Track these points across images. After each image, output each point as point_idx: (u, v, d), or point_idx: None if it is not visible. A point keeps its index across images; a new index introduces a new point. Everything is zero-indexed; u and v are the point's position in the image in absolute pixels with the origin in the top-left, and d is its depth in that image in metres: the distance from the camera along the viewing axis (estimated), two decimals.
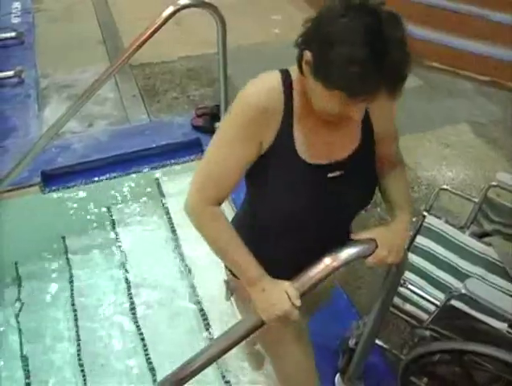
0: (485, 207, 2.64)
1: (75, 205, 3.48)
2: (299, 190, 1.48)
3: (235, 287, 1.82)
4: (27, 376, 2.81)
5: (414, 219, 3.29)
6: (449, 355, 2.08)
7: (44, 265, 3.36)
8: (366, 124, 1.52)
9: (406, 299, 2.31)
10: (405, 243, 1.63)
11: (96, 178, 3.54)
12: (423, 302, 2.26)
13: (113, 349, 2.93)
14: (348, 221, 1.70)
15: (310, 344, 1.96)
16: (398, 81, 1.25)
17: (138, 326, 2.98)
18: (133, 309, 3.07)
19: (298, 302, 1.44)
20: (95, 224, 3.54)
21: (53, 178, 3.49)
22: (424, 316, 2.26)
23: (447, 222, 2.69)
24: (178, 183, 3.61)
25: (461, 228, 2.68)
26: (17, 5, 5.78)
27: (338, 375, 2.43)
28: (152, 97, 4.54)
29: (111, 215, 3.56)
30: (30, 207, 3.39)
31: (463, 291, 2.00)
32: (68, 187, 3.49)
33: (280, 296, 1.45)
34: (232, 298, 1.93)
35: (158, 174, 3.68)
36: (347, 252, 1.49)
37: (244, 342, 1.69)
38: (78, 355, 2.88)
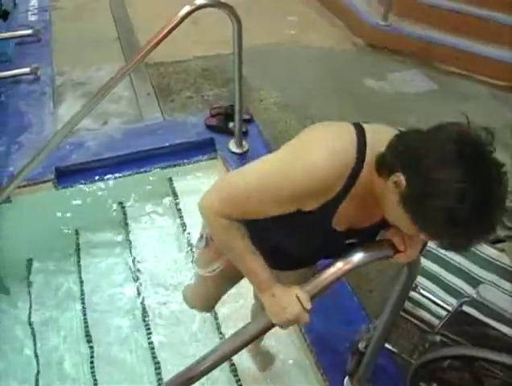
0: None
1: (88, 202, 3.49)
2: (314, 245, 1.54)
3: (209, 244, 1.90)
4: (37, 371, 2.83)
5: None
6: (459, 361, 2.07)
7: (56, 261, 3.39)
8: None
9: (417, 304, 2.30)
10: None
11: (109, 176, 3.55)
12: (435, 307, 2.25)
13: (122, 345, 2.95)
14: None
15: None
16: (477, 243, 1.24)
17: (147, 324, 2.99)
18: (143, 306, 3.08)
19: (308, 306, 1.45)
20: (107, 221, 3.56)
21: (67, 175, 3.51)
22: (435, 321, 2.25)
23: None
24: (190, 183, 3.62)
25: None
26: (34, 2, 5.81)
27: (347, 377, 2.42)
28: (166, 96, 4.55)
29: (123, 213, 3.57)
30: (43, 203, 3.40)
31: (475, 297, 1.99)
32: (82, 184, 3.50)
33: (290, 300, 1.45)
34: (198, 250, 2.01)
35: (171, 173, 3.67)
36: (360, 256, 1.48)
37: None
38: (90, 350, 2.91)
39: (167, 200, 3.64)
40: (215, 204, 1.46)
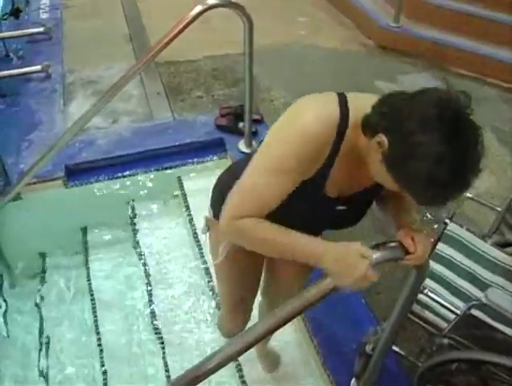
0: (509, 216, 2.61)
1: (97, 200, 3.51)
2: (307, 212, 1.54)
3: (212, 226, 1.90)
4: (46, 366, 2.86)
5: (435, 227, 3.28)
6: (467, 364, 2.07)
7: (65, 258, 3.42)
8: None
9: (425, 306, 2.29)
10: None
11: (118, 174, 3.56)
12: (443, 310, 2.25)
13: (130, 343, 2.96)
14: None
15: None
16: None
17: (155, 323, 3.01)
18: (151, 304, 3.09)
19: (373, 259, 1.41)
20: (116, 220, 3.57)
21: (76, 173, 3.52)
22: (443, 324, 2.24)
23: (469, 230, 2.66)
24: (200, 182, 3.61)
25: (483, 237, 2.65)
26: (45, 1, 5.84)
27: (354, 379, 2.42)
28: (176, 95, 4.57)
29: (132, 212, 3.58)
30: (52, 200, 3.42)
31: (484, 301, 1.98)
32: (91, 182, 3.51)
33: (355, 257, 1.40)
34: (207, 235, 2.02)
35: (180, 172, 3.68)
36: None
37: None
38: (99, 346, 2.93)
39: (176, 200, 3.65)
40: (233, 213, 1.49)
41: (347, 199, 1.59)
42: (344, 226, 1.73)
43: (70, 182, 3.48)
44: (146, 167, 3.62)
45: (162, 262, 3.32)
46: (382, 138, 1.30)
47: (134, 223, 3.53)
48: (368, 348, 2.31)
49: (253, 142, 3.68)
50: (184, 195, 3.58)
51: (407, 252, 1.49)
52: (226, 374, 2.68)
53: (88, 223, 3.55)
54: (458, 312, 2.14)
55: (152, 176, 3.60)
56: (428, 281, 2.39)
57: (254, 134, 3.73)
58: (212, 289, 3.08)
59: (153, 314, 3.05)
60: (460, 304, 2.25)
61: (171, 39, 2.81)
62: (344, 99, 1.44)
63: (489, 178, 3.89)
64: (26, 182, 3.09)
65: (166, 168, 3.65)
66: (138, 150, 3.67)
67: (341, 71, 5.04)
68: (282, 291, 2.19)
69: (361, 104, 1.41)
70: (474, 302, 2.03)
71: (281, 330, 1.52)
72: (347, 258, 1.40)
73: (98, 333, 2.97)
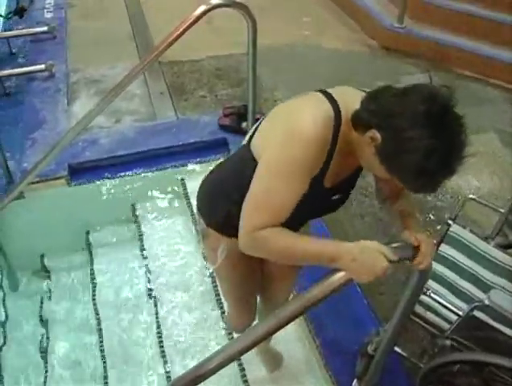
0: None
1: (100, 199, 3.51)
2: (307, 203, 1.54)
3: (207, 235, 1.95)
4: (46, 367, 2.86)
5: (438, 228, 3.27)
6: (469, 366, 2.06)
7: (68, 257, 3.42)
8: None
9: (427, 307, 2.29)
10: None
11: (121, 174, 3.56)
12: (445, 311, 2.25)
13: (133, 340, 2.97)
14: None
15: None
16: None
17: (158, 321, 3.01)
18: (154, 303, 3.10)
19: (394, 257, 1.44)
20: (119, 219, 3.58)
21: (79, 172, 3.53)
22: (445, 325, 2.24)
23: (472, 231, 2.66)
24: None
25: (486, 239, 2.65)
26: (50, 0, 5.85)
27: (356, 380, 2.41)
28: (180, 95, 4.57)
29: (135, 211, 3.58)
30: (55, 199, 3.43)
31: (486, 302, 1.98)
32: (94, 181, 3.51)
33: (374, 255, 1.42)
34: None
35: (183, 172, 3.67)
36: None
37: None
38: (100, 345, 2.94)
39: (179, 199, 3.64)
40: (252, 226, 1.50)
41: (339, 187, 1.67)
42: (330, 212, 1.82)
43: (73, 182, 3.48)
44: (149, 167, 3.61)
45: (165, 262, 3.31)
46: (376, 135, 1.38)
47: (137, 223, 3.53)
48: (370, 349, 2.31)
49: None
50: (187, 195, 3.58)
51: (416, 253, 1.54)
52: (228, 373, 2.68)
53: (91, 222, 3.55)
54: (460, 313, 2.14)
55: (155, 176, 3.60)
56: (431, 283, 2.39)
57: None
58: (215, 289, 3.08)
59: (156, 315, 3.05)
60: (463, 305, 2.25)
61: (175, 39, 2.81)
62: (330, 96, 1.53)
63: (492, 179, 3.89)
64: (29, 181, 3.09)
65: (169, 168, 3.65)
66: (142, 150, 3.68)
67: (344, 72, 5.02)
68: (274, 287, 2.27)
69: (347, 99, 1.51)
70: (477, 304, 2.03)
71: (283, 330, 1.51)
72: (366, 256, 1.42)
73: (100, 333, 2.98)
